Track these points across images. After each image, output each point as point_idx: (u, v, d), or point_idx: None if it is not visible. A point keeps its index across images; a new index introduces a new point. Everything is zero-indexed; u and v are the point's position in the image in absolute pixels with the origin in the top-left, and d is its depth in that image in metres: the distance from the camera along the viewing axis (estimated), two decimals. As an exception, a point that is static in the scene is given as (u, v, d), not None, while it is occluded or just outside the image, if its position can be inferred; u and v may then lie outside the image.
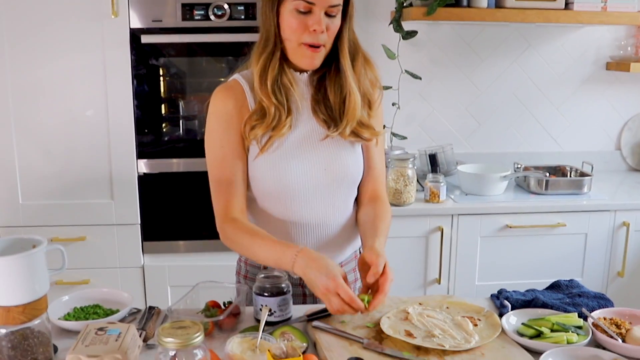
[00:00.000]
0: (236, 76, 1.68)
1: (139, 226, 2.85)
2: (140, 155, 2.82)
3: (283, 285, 1.57)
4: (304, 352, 1.40)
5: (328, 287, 1.43)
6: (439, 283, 2.93)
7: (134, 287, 2.88)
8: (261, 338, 1.39)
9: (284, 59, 1.62)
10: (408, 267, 2.90)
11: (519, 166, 3.19)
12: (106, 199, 2.81)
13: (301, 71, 1.66)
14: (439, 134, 3.45)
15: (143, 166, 2.84)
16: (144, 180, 2.84)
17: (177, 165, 2.86)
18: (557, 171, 3.30)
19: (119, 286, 2.87)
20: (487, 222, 2.89)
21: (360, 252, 1.86)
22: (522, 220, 2.89)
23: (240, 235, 1.60)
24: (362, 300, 1.45)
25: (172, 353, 1.23)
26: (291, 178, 1.64)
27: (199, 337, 1.23)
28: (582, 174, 3.15)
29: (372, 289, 1.51)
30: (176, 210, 2.90)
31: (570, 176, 3.24)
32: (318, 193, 1.68)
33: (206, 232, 2.90)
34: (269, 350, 1.26)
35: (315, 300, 1.76)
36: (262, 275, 1.59)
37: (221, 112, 1.64)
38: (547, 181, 2.99)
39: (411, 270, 2.92)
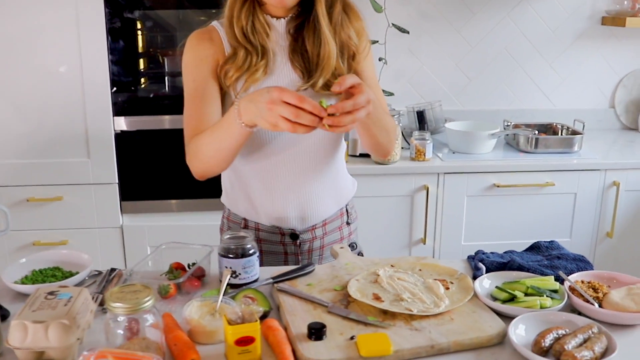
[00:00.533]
0: (214, 23, 1.62)
1: (117, 185, 2.78)
2: (117, 112, 2.73)
3: (248, 246, 1.51)
4: (265, 317, 1.34)
5: (272, 99, 1.27)
6: (424, 243, 2.87)
7: (113, 247, 2.83)
8: (221, 302, 1.33)
9: (259, 4, 1.55)
10: (392, 227, 2.85)
11: (509, 124, 3.11)
12: (82, 158, 2.73)
13: (277, 17, 1.57)
14: (428, 91, 3.36)
15: (120, 123, 2.75)
16: (121, 138, 2.76)
17: (155, 122, 2.78)
18: (548, 129, 3.22)
19: (98, 247, 2.81)
20: (474, 181, 2.82)
21: (347, 210, 1.80)
22: (510, 180, 2.82)
23: (195, 139, 1.51)
24: (320, 104, 1.29)
25: (121, 318, 1.17)
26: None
27: (148, 302, 1.17)
28: (574, 132, 3.07)
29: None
30: (155, 169, 2.83)
31: (561, 134, 3.16)
32: (298, 144, 1.61)
33: (186, 191, 2.83)
34: (224, 316, 1.20)
35: (297, 259, 1.71)
36: (227, 236, 1.52)
37: (195, 51, 1.58)
38: (536, 139, 2.92)
39: (396, 230, 2.86)
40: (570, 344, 1.18)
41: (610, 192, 2.87)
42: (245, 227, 1.71)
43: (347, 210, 1.79)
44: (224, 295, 1.37)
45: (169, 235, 2.81)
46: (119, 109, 2.74)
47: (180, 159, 1.56)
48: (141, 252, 2.82)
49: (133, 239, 2.83)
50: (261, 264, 1.71)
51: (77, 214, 2.78)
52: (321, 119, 1.30)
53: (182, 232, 2.81)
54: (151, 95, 2.84)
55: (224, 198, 1.79)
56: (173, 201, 2.86)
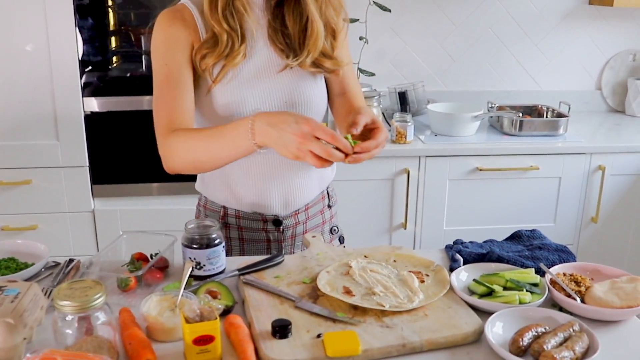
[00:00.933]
0: (183, 0, 1.51)
1: (88, 168, 2.69)
2: (88, 93, 2.63)
3: (214, 235, 1.42)
4: (228, 312, 1.27)
5: (303, 132, 1.22)
6: (405, 228, 2.81)
7: (84, 233, 2.74)
8: (182, 296, 1.25)
9: None
10: (373, 212, 2.77)
11: (493, 105, 3.03)
12: (51, 140, 2.63)
13: None
14: (411, 71, 3.27)
15: (91, 104, 2.65)
16: (92, 120, 2.66)
17: (127, 103, 2.68)
18: (534, 111, 3.15)
19: (69, 232, 2.72)
20: (457, 165, 2.75)
21: (328, 193, 1.73)
22: (493, 163, 2.75)
23: (184, 138, 1.40)
24: (347, 139, 1.27)
25: (69, 317, 1.08)
26: (247, 112, 1.48)
27: (99, 299, 1.09)
28: (559, 115, 3.00)
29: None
30: (127, 152, 2.73)
31: (546, 117, 3.09)
32: None
33: (160, 175, 2.73)
34: (182, 313, 1.12)
35: (280, 245, 1.65)
36: (191, 225, 1.44)
37: (167, 33, 1.47)
38: (520, 122, 2.84)
39: (376, 214, 2.79)
40: (550, 344, 1.11)
41: (596, 177, 2.81)
42: (225, 215, 1.63)
43: (328, 193, 1.73)
44: (185, 288, 1.29)
45: (143, 220, 2.73)
46: (89, 90, 2.64)
47: (153, 142, 1.46)
48: (114, 237, 2.72)
49: (105, 224, 2.74)
50: (242, 253, 1.64)
51: (46, 198, 2.68)
52: (347, 155, 1.28)
53: (157, 216, 2.72)
54: (126, 75, 2.73)
55: (199, 186, 1.71)
56: (146, 185, 2.77)
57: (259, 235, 1.64)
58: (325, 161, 1.25)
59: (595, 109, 3.45)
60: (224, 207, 1.63)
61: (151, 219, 2.73)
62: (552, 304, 1.32)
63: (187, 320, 1.11)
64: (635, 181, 2.85)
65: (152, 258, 1.45)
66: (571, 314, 1.27)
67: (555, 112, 3.05)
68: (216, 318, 1.11)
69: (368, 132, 1.37)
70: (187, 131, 1.41)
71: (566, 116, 2.91)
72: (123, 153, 2.73)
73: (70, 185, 2.68)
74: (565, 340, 1.14)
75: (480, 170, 2.74)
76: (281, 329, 1.16)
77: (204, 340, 1.11)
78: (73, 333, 1.09)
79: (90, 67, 2.62)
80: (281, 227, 1.63)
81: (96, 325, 1.10)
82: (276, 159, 1.55)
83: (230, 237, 1.64)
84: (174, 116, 1.43)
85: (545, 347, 1.10)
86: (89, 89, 2.63)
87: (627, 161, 2.81)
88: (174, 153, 1.42)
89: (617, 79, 3.42)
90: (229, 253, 1.65)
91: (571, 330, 1.15)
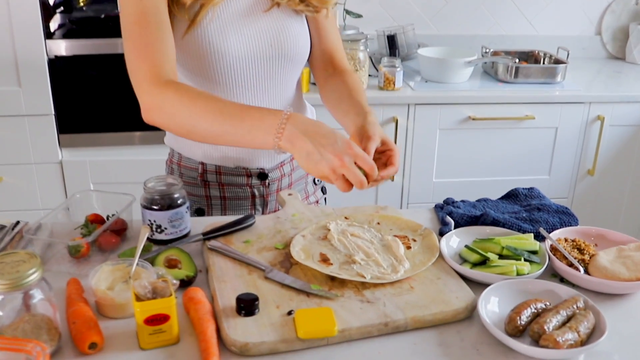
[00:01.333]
0: None
1: (54, 117, 2.50)
2: (50, 35, 2.43)
3: (176, 195, 1.27)
4: (190, 283, 1.13)
5: (342, 154, 1.08)
6: (392, 180, 2.67)
7: (52, 185, 2.58)
8: (137, 265, 1.11)
9: None
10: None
11: (487, 51, 2.85)
12: (12, 87, 2.44)
13: None
14: (400, 13, 3.07)
15: (58, 48, 2.45)
16: (57, 65, 2.46)
17: (99, 46, 2.48)
18: (530, 57, 2.98)
19: (36, 184, 2.56)
20: (448, 113, 2.60)
21: None
22: (486, 112, 2.61)
23: (189, 100, 1.18)
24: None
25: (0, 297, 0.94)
26: (229, 55, 1.33)
27: (33, 275, 0.93)
28: (557, 61, 2.83)
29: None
30: (97, 98, 2.55)
31: (543, 63, 2.92)
32: (262, 74, 1.39)
33: (133, 123, 2.57)
34: (132, 290, 0.98)
35: (265, 201, 1.51)
36: (150, 184, 1.28)
37: None
38: (516, 68, 2.68)
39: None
40: (552, 323, 0.98)
41: (594, 127, 2.67)
42: (204, 172, 1.47)
43: None
44: (142, 256, 1.15)
45: (115, 171, 2.58)
46: (60, 32, 2.43)
47: (125, 88, 1.27)
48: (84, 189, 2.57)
49: (74, 176, 2.58)
50: (224, 212, 1.50)
51: (10, 148, 2.51)
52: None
53: (130, 168, 2.56)
54: (100, 16, 2.51)
55: (170, 141, 1.54)
56: (118, 134, 2.60)
57: (243, 192, 1.50)
58: (351, 187, 1.11)
59: (594, 56, 3.28)
60: (202, 163, 1.47)
61: (124, 171, 2.57)
62: (552, 273, 1.18)
63: (138, 298, 0.97)
64: (634, 132, 2.71)
65: (108, 220, 1.30)
66: (573, 285, 1.13)
67: (553, 58, 2.88)
68: (171, 294, 0.97)
69: (379, 153, 1.23)
70: (194, 93, 1.21)
71: (564, 62, 2.74)
72: (92, 100, 2.55)
73: (36, 135, 2.51)
74: (569, 319, 1.00)
75: (473, 119, 2.59)
76: (247, 305, 1.02)
77: (157, 320, 0.97)
78: (6, 314, 0.95)
79: (53, 7, 2.40)
80: (267, 181, 1.50)
81: (32, 303, 0.96)
82: (258, 103, 1.40)
83: (210, 195, 1.49)
84: (160, 61, 1.23)
85: (546, 327, 0.96)
86: (60, 32, 2.43)
87: (627, 111, 2.67)
88: (167, 109, 1.21)
89: (618, 24, 3.24)
90: (209, 213, 1.51)
91: (575, 307, 1.02)
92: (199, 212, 1.52)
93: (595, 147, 2.70)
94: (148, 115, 1.24)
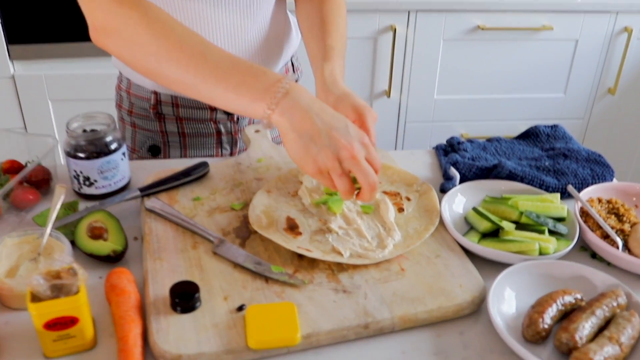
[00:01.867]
0: None
1: (1, 25, 2.18)
2: None
3: (109, 138, 1.01)
4: (117, 259, 0.88)
5: (354, 145, 0.84)
6: (389, 96, 2.40)
7: (5, 102, 2.29)
8: (50, 236, 0.86)
9: None
10: (350, 77, 2.36)
11: (501, -52, 2.50)
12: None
13: None
14: None
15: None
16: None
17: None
18: (549, -45, 2.62)
19: (-14, 99, 2.28)
20: (453, 22, 2.31)
21: (292, 64, 1.33)
22: (497, 21, 2.32)
23: (162, 26, 0.89)
24: None
25: None
26: None
27: None
28: (580, -39, 2.48)
29: None
30: (51, 3, 2.22)
31: (564, -38, 2.57)
32: None
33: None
34: (27, 288, 0.73)
35: (234, 139, 1.26)
36: (75, 124, 1.01)
37: None
38: (534, -31, 2.34)
39: (354, 80, 2.38)
40: (585, 331, 0.73)
41: (620, 40, 2.38)
42: (158, 103, 1.19)
43: (292, 64, 1.33)
44: (63, 219, 0.90)
45: (75, 86, 2.29)
46: None
47: None
48: (41, 107, 2.29)
49: (30, 92, 2.28)
50: (184, 153, 1.24)
51: (-46, 60, 2.21)
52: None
53: (92, 82, 2.27)
54: None
55: (117, 62, 1.25)
56: (77, 44, 2.28)
57: (206, 128, 1.24)
58: (353, 192, 0.86)
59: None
60: (156, 92, 1.19)
61: (85, 86, 2.27)
62: (582, 246, 0.93)
63: (35, 297, 0.72)
64: (664, 46, 2.41)
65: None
66: (608, 264, 0.89)
67: (576, -43, 2.53)
68: (78, 292, 0.72)
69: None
70: (169, 23, 0.90)
71: (589, -37, 2.40)
72: (45, 5, 2.22)
73: (-18, 45, 2.20)
74: (607, 322, 0.76)
75: (482, 29, 2.31)
76: (184, 300, 0.77)
77: (62, 324, 0.73)
78: None
79: None
80: (235, 115, 1.23)
81: None
82: (230, 19, 1.11)
83: (166, 131, 1.23)
84: None
85: (577, 337, 0.72)
86: None
87: (658, 22, 2.36)
88: (127, 37, 0.90)
89: None
90: (166, 152, 1.25)
91: (615, 304, 0.78)
92: (153, 151, 1.25)
93: (619, 63, 2.41)
94: (99, 36, 0.94)
